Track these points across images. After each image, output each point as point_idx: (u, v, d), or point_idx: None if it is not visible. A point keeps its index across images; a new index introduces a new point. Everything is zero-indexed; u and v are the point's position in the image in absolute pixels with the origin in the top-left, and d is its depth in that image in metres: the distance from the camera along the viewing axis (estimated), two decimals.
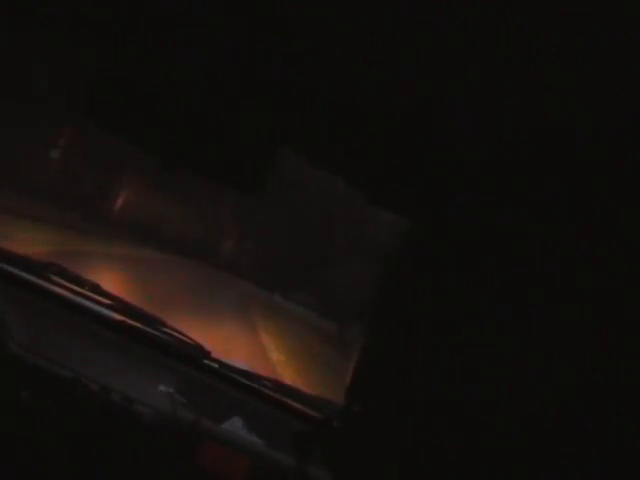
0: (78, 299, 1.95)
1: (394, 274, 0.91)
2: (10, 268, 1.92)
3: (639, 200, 0.68)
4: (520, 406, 0.69)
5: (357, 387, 0.90)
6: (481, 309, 0.76)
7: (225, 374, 1.97)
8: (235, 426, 1.84)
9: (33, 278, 1.93)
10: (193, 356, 1.97)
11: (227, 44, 0.89)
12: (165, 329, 1.99)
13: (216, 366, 1.98)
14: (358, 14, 0.63)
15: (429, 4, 0.56)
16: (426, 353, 0.80)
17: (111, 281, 9.03)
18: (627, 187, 0.69)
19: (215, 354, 2.03)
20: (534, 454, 0.68)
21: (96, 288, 1.99)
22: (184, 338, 2.00)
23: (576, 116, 0.67)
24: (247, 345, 11.00)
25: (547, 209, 0.78)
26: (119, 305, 1.99)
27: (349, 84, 0.83)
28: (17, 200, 10.84)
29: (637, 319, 0.67)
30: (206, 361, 1.98)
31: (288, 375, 9.70)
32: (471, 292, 0.78)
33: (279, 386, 2.00)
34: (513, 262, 0.76)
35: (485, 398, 0.72)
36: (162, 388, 1.83)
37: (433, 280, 0.84)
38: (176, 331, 2.01)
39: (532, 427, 0.69)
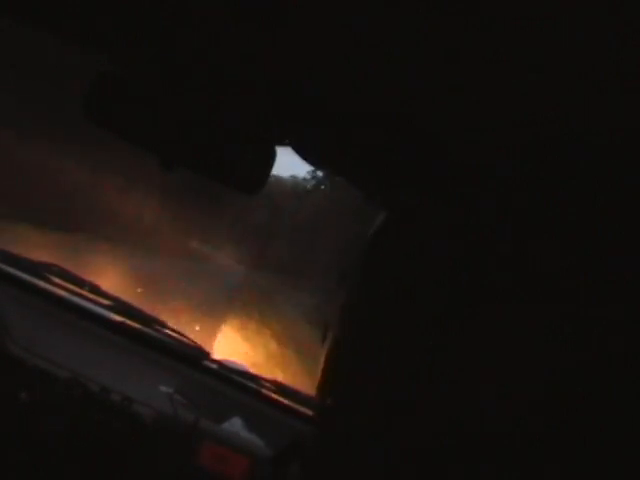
0: (78, 300, 1.96)
1: (377, 271, 0.89)
2: (10, 268, 1.92)
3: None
4: (503, 406, 0.69)
5: (330, 383, 0.88)
6: (465, 304, 0.75)
7: (225, 375, 1.98)
8: (235, 426, 1.84)
9: (33, 279, 1.93)
10: (193, 357, 1.98)
11: (227, 44, 0.89)
12: (165, 330, 1.99)
13: (215, 367, 1.98)
14: (359, 13, 0.64)
15: (432, 5, 0.56)
16: (404, 350, 0.78)
17: (112, 276, 9.05)
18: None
19: (215, 354, 2.04)
20: (518, 455, 0.68)
21: (96, 289, 1.99)
22: (184, 339, 2.00)
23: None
24: (245, 342, 11.01)
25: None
26: (119, 306, 1.99)
27: (350, 84, 0.83)
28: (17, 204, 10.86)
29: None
30: (206, 362, 1.98)
31: (283, 372, 9.70)
32: (455, 287, 0.77)
33: (278, 386, 2.00)
34: (503, 260, 0.76)
35: (468, 397, 0.71)
36: (162, 388, 1.83)
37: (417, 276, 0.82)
38: (176, 332, 2.01)
39: (514, 427, 0.69)
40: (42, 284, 1.94)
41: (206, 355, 2.00)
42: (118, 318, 1.97)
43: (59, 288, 1.95)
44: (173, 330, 2.01)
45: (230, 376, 1.98)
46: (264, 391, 1.97)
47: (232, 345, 10.10)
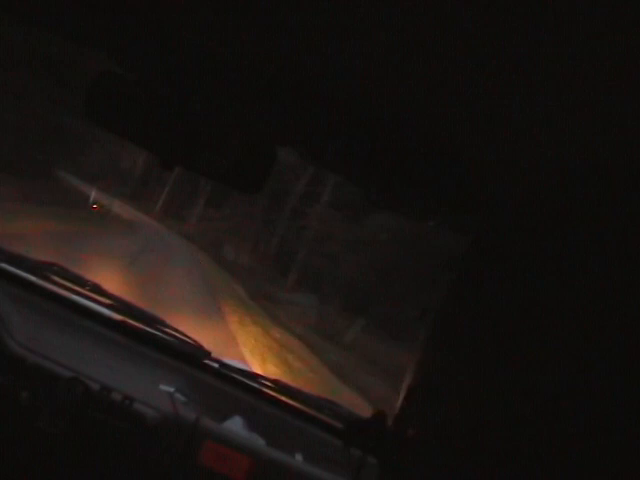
0: (78, 299, 1.96)
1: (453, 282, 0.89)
2: (10, 268, 1.92)
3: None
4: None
5: (410, 405, 0.87)
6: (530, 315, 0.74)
7: (225, 374, 1.98)
8: (236, 425, 1.84)
9: (33, 278, 1.93)
10: (194, 356, 1.98)
11: (228, 44, 0.88)
12: (166, 329, 1.99)
13: (216, 366, 1.98)
14: (361, 14, 0.63)
15: (437, 7, 0.56)
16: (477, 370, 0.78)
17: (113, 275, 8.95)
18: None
19: (215, 354, 2.04)
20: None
21: (96, 288, 1.99)
22: (185, 338, 2.00)
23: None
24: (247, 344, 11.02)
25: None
26: (120, 305, 1.99)
27: (350, 84, 0.83)
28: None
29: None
30: (207, 361, 1.98)
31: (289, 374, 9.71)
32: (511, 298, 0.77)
33: (279, 386, 2.00)
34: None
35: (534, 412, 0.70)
36: (163, 387, 1.83)
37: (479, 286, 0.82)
38: (177, 331, 2.01)
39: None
40: (43, 283, 1.94)
41: (207, 354, 2.00)
42: (119, 317, 1.97)
43: (60, 287, 1.95)
44: (174, 329, 2.01)
45: (231, 375, 1.98)
46: (265, 390, 1.97)
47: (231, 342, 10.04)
